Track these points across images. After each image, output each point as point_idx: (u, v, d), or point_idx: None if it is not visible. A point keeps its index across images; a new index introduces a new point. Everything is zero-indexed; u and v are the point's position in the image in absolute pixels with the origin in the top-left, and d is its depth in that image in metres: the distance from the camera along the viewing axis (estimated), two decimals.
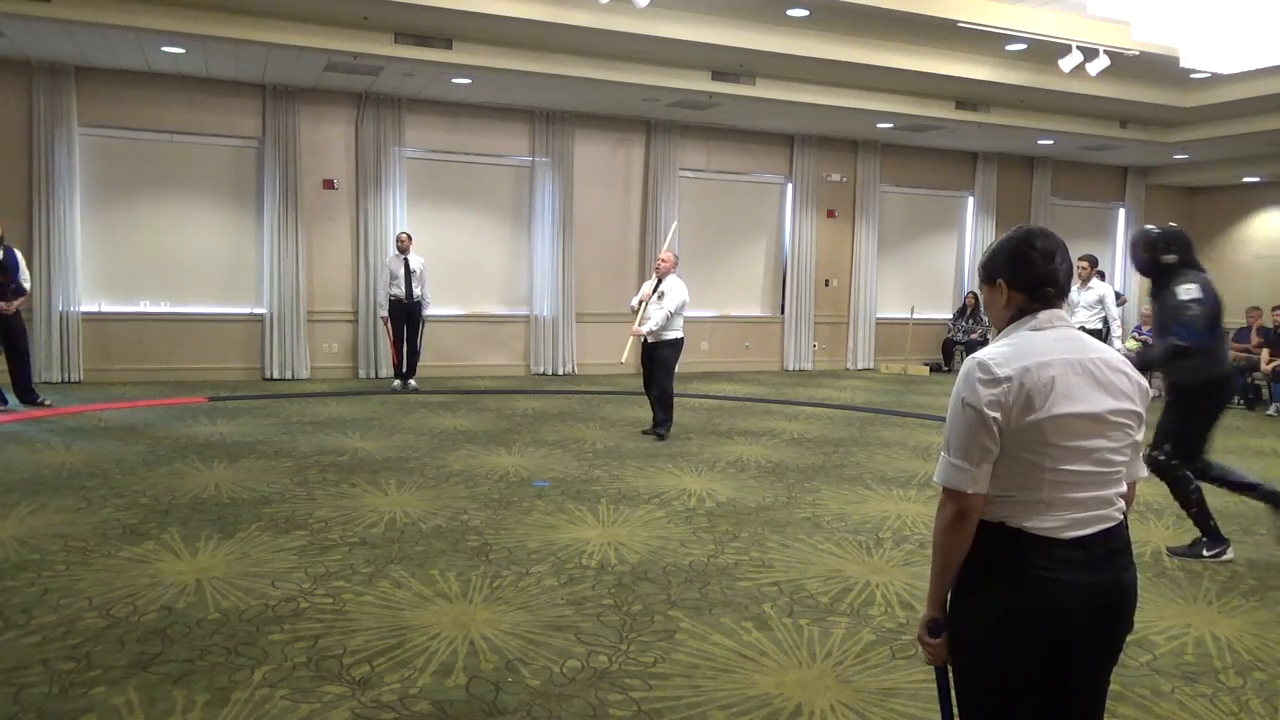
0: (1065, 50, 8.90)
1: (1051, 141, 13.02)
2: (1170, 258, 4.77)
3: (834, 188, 13.50)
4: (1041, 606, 1.82)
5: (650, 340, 7.75)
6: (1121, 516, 1.91)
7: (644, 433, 7.89)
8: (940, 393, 11.22)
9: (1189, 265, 4.77)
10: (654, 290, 7.81)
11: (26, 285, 8.31)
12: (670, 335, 7.72)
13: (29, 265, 8.65)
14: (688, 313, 12.74)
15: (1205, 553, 4.82)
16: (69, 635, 3.44)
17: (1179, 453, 4.72)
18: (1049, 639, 1.85)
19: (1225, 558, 4.79)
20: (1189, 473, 4.74)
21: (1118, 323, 9.33)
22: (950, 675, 2.02)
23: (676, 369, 8.01)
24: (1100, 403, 1.86)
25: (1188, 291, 4.62)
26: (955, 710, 1.99)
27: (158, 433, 7.32)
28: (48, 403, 8.25)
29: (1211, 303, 4.63)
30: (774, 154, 13.12)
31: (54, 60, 9.62)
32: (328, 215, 10.99)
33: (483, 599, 3.94)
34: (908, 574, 4.43)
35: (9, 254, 8.15)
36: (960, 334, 13.88)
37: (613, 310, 12.33)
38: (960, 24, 8.62)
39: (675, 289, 7.69)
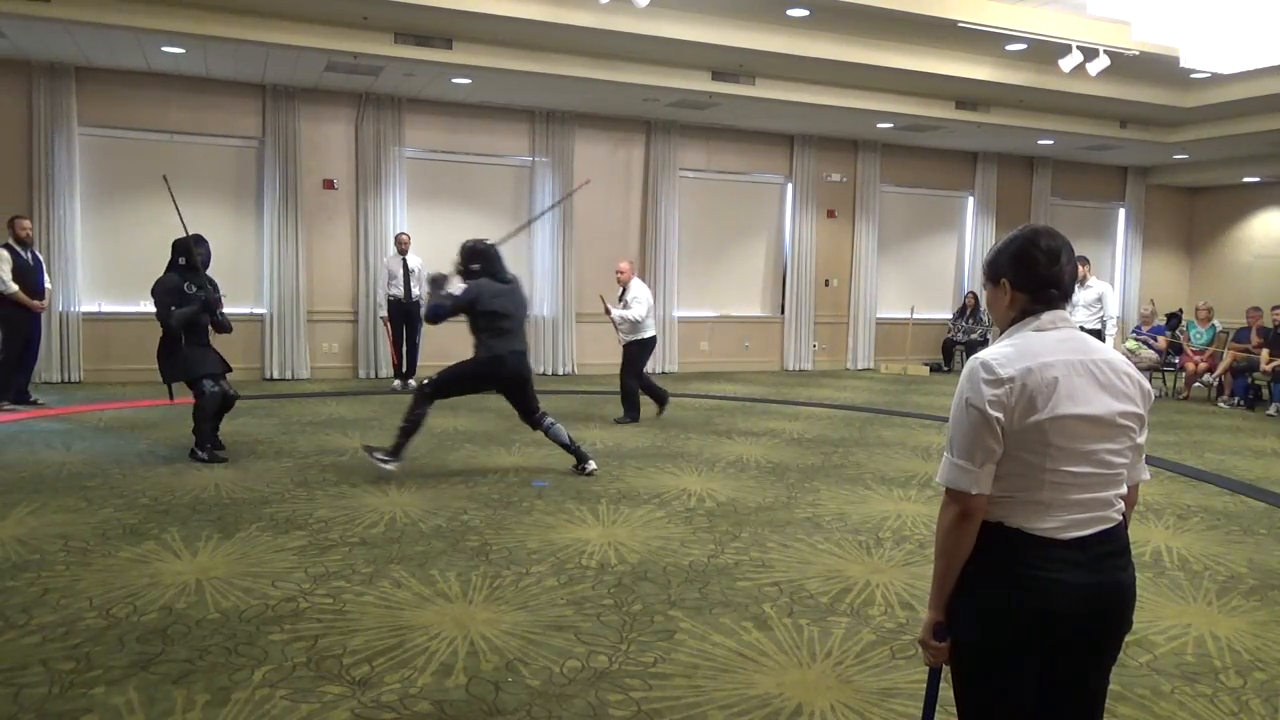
0: (1065, 50, 8.90)
1: (1051, 141, 13.02)
2: (475, 267, 6.12)
3: (834, 188, 13.50)
4: (1040, 606, 1.82)
5: (621, 341, 8.52)
6: (1121, 517, 1.92)
7: (615, 421, 8.45)
8: (940, 393, 11.22)
9: (489, 274, 6.10)
10: (619, 298, 8.48)
11: (47, 286, 8.70)
12: (637, 336, 8.42)
13: None
14: (685, 312, 12.89)
15: (379, 455, 5.99)
16: (69, 635, 3.44)
17: (438, 390, 6.13)
18: (1047, 639, 1.85)
19: (385, 466, 5.96)
20: (426, 409, 6.09)
21: (1114, 321, 9.30)
22: (941, 676, 2.02)
23: (647, 367, 8.72)
24: (1103, 404, 1.85)
25: (462, 288, 6.11)
26: (954, 709, 1.99)
27: (158, 433, 7.32)
28: (41, 402, 8.37)
29: (474, 299, 5.98)
30: (774, 154, 13.12)
31: (54, 60, 9.62)
32: (328, 215, 10.99)
33: (483, 599, 3.94)
34: (908, 574, 4.42)
35: (36, 257, 8.55)
36: (960, 334, 13.88)
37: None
38: (960, 24, 8.62)
39: (640, 296, 8.40)
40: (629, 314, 8.33)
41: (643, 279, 12.35)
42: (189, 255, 6.45)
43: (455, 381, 6.20)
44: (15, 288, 8.06)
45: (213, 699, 2.98)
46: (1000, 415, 1.81)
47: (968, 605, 1.89)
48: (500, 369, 6.09)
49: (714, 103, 10.88)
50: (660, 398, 8.71)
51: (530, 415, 6.26)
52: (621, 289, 8.49)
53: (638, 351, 8.47)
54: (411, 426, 6.04)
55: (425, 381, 6.20)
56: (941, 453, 1.92)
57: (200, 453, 6.41)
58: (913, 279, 14.34)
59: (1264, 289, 14.02)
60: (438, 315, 6.04)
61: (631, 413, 8.46)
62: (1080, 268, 9.04)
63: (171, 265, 6.48)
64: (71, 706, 2.91)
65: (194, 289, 6.42)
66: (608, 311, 8.48)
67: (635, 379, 8.49)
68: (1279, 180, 14.84)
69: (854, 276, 13.71)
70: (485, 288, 6.03)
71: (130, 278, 10.30)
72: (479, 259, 6.14)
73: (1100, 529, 1.87)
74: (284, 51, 8.90)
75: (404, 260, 10.09)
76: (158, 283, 6.44)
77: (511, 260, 11.62)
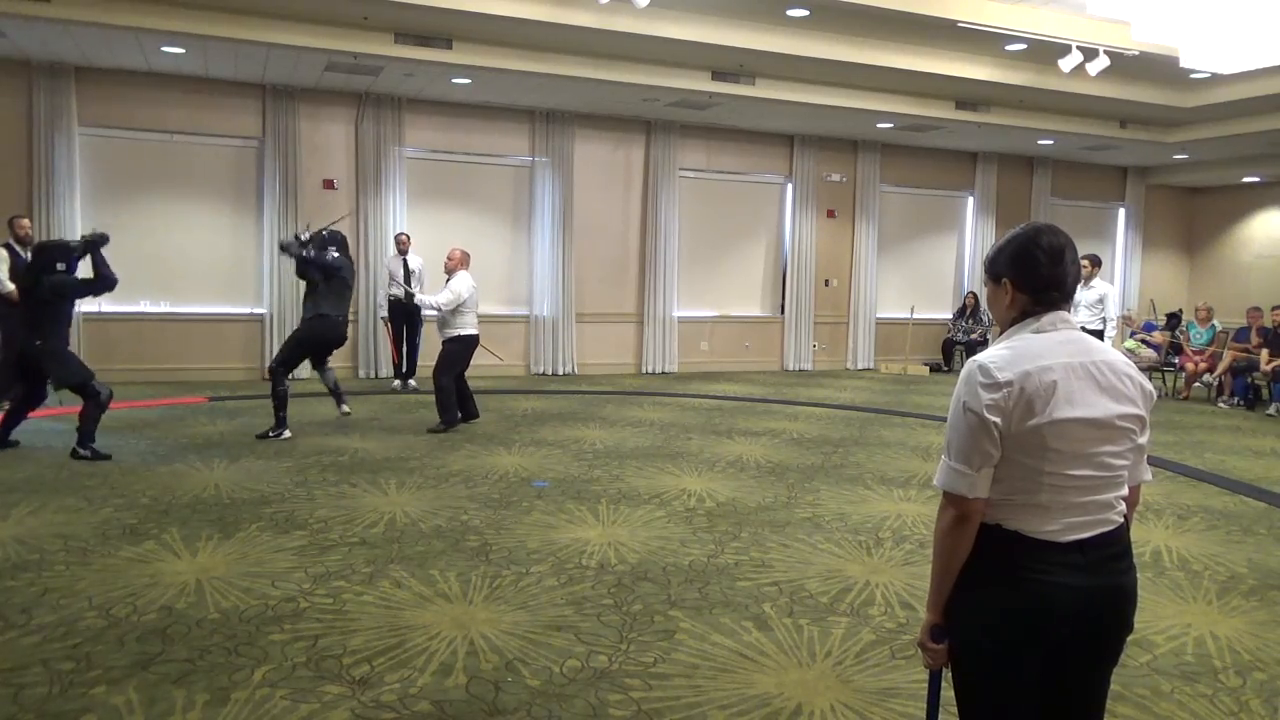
0: (1065, 50, 8.90)
1: (1051, 141, 13.02)
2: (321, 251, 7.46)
3: (834, 188, 13.50)
4: (1039, 609, 1.81)
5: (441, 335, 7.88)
6: (1122, 520, 1.90)
7: (428, 430, 7.74)
8: (940, 393, 11.22)
9: (335, 245, 7.57)
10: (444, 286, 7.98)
11: None
12: (451, 332, 7.75)
13: None
14: (685, 312, 12.86)
15: (271, 433, 7.16)
16: (69, 635, 3.44)
17: (284, 364, 7.38)
18: (1047, 641, 1.85)
19: (283, 436, 7.17)
20: (285, 379, 7.34)
21: (1114, 323, 9.26)
22: (942, 679, 2.01)
23: (457, 366, 7.83)
24: (1102, 407, 1.84)
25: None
26: (952, 711, 1.99)
27: (158, 433, 7.32)
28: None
29: (327, 268, 7.41)
30: (774, 154, 13.12)
31: (54, 60, 9.62)
32: (328, 215, 10.97)
33: (483, 599, 3.94)
34: (908, 574, 4.43)
35: None
36: (960, 334, 13.88)
37: (613, 310, 12.34)
38: (960, 24, 8.62)
39: (455, 287, 7.66)
40: (431, 300, 7.74)
41: (642, 279, 12.41)
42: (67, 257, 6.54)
43: (297, 354, 7.59)
44: (11, 287, 8.05)
45: (213, 699, 2.98)
46: (998, 419, 1.80)
47: (967, 607, 1.89)
48: (326, 332, 7.52)
49: (714, 103, 10.88)
50: (469, 411, 7.98)
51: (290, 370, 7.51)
52: (447, 278, 7.82)
53: (454, 349, 7.73)
54: (283, 402, 7.25)
55: (274, 365, 7.40)
56: (940, 454, 1.91)
57: (84, 450, 6.39)
58: (913, 279, 14.34)
59: (1264, 289, 14.02)
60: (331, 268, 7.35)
61: (447, 415, 7.72)
62: (1091, 267, 8.95)
63: (49, 269, 6.40)
64: (71, 706, 2.91)
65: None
66: (410, 297, 8.03)
67: (447, 378, 7.73)
68: (1279, 180, 14.84)
69: (854, 276, 13.71)
70: (339, 259, 7.51)
71: (130, 278, 10.21)
72: (334, 242, 7.53)
73: (1101, 531, 1.86)
74: (284, 51, 8.90)
75: (404, 260, 10.09)
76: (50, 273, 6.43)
77: (511, 260, 11.83)
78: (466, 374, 8.00)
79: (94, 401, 6.48)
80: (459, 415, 7.85)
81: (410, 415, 8.48)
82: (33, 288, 6.37)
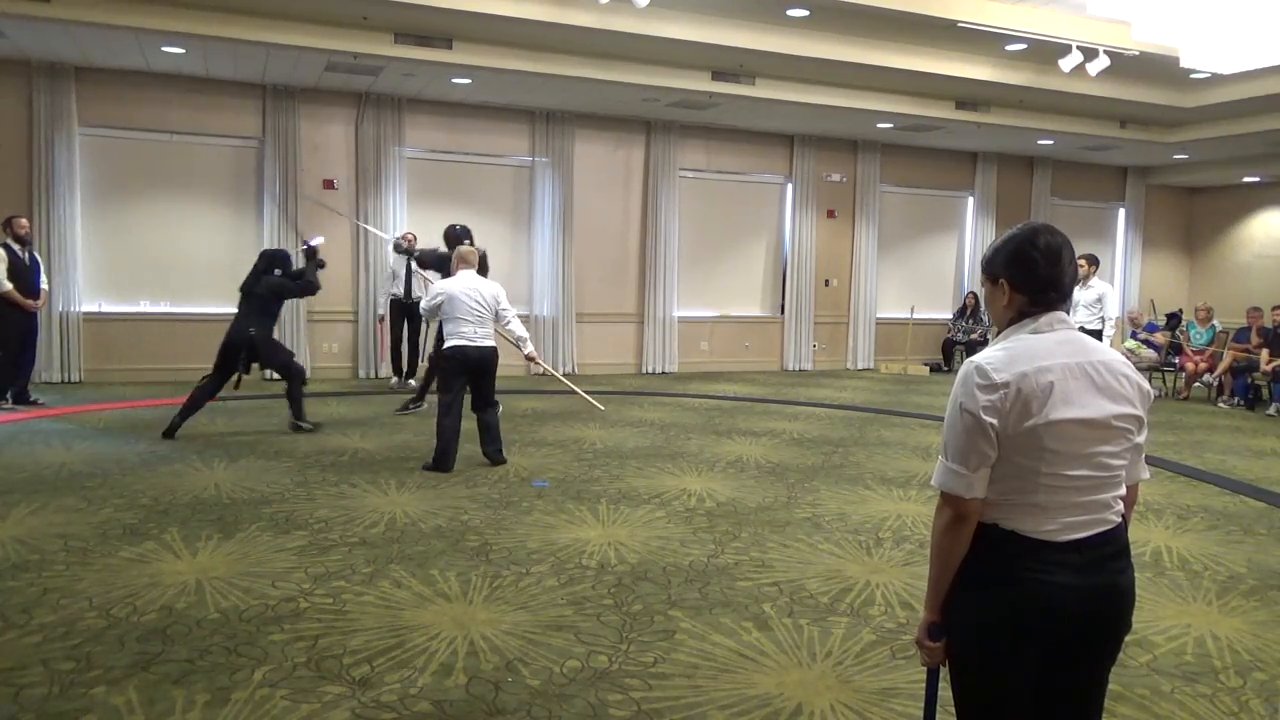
0: (1065, 50, 8.89)
1: (1051, 141, 13.02)
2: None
3: (834, 188, 13.50)
4: (1036, 608, 1.82)
5: None
6: (1119, 519, 1.90)
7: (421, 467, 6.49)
8: (940, 393, 11.22)
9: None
10: None
11: (43, 287, 8.72)
12: (443, 342, 6.45)
13: None
14: (685, 312, 12.81)
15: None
16: (69, 635, 3.44)
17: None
18: (1044, 640, 1.85)
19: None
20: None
21: (1112, 323, 9.23)
22: (940, 676, 2.02)
23: (449, 390, 6.34)
24: (1099, 407, 1.84)
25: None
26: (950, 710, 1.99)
27: (158, 433, 7.31)
28: (41, 402, 8.37)
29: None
30: (774, 154, 13.12)
31: (54, 60, 9.62)
32: (328, 215, 10.98)
33: (483, 599, 3.94)
34: (908, 574, 4.43)
35: (33, 257, 8.59)
36: (960, 334, 13.87)
37: (613, 310, 12.34)
38: (960, 24, 8.62)
39: (436, 284, 6.75)
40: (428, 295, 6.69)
41: (642, 279, 12.39)
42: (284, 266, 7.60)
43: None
44: (9, 286, 8.07)
45: (213, 699, 2.98)
46: (994, 420, 1.80)
47: (965, 606, 1.89)
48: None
49: (714, 103, 10.88)
50: (488, 453, 6.51)
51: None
52: None
53: (441, 366, 6.57)
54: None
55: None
56: (939, 454, 1.91)
57: (304, 423, 7.53)
58: (913, 279, 14.34)
59: (1264, 289, 14.02)
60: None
61: (434, 457, 6.29)
62: (1088, 267, 8.96)
63: (268, 271, 7.50)
64: (71, 706, 2.92)
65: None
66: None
67: (439, 406, 6.38)
68: (1279, 180, 14.83)
69: (854, 276, 13.71)
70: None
71: (130, 278, 10.33)
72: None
73: (1098, 531, 1.86)
74: (284, 51, 8.90)
75: (408, 260, 10.08)
76: (287, 277, 7.58)
77: (511, 260, 11.83)
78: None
79: (297, 379, 7.53)
80: (451, 461, 6.28)
81: (410, 415, 8.48)
82: (254, 286, 7.39)
